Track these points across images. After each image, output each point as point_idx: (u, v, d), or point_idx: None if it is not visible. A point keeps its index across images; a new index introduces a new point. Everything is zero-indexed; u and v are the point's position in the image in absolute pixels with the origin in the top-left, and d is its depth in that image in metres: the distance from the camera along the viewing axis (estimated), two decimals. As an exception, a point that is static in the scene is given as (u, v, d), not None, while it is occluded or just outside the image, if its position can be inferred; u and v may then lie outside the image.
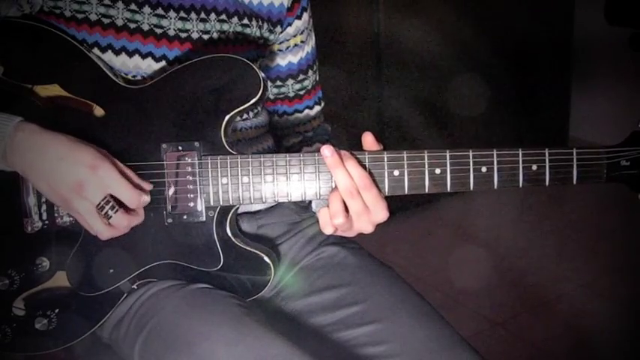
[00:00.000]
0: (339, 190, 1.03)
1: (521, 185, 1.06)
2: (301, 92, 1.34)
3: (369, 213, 1.03)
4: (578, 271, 2.62)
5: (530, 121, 3.42)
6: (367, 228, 1.05)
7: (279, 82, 1.32)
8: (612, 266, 2.63)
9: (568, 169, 1.05)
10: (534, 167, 1.05)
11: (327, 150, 1.02)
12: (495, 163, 1.05)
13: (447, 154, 1.05)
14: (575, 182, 1.06)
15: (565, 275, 2.61)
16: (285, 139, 1.38)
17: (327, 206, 1.04)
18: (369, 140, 1.06)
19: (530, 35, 3.29)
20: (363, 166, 1.04)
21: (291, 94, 1.34)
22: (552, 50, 3.46)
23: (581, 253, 2.75)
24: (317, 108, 1.39)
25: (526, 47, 3.29)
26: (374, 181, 1.04)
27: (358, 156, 1.05)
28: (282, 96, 1.34)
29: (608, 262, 2.66)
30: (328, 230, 1.05)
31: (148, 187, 1.06)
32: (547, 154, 1.05)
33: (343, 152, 1.04)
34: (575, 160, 1.05)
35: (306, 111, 1.36)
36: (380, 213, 1.04)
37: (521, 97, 3.37)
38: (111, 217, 1.01)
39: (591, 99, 3.57)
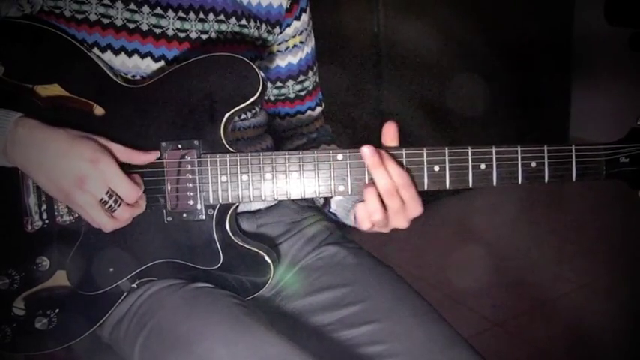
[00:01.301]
0: (377, 189, 1.02)
1: (520, 182, 1.05)
2: (302, 93, 1.34)
3: (405, 210, 1.04)
4: (578, 271, 2.62)
5: (530, 121, 3.42)
6: (403, 224, 1.05)
7: (279, 83, 1.32)
8: (612, 266, 2.63)
9: (567, 166, 1.05)
10: (533, 164, 1.05)
11: (367, 150, 1.02)
12: (494, 160, 1.05)
13: (446, 152, 1.05)
14: (574, 179, 1.05)
15: (565, 275, 2.61)
16: (288, 141, 1.37)
17: (363, 202, 1.04)
18: (391, 131, 1.05)
19: (530, 35, 3.29)
20: (401, 164, 1.04)
21: (292, 95, 1.34)
22: (552, 50, 3.46)
23: (581, 253, 2.75)
24: (318, 109, 1.38)
25: (526, 47, 3.29)
26: (412, 178, 1.04)
27: (395, 153, 1.04)
28: (282, 97, 1.34)
29: (608, 262, 2.66)
30: (366, 226, 1.05)
31: (153, 157, 1.06)
32: (546, 151, 1.05)
33: (381, 152, 1.03)
34: (574, 157, 1.05)
35: (308, 112, 1.36)
36: (416, 209, 1.04)
37: (521, 96, 3.37)
38: (115, 210, 1.02)
39: (591, 99, 3.57)
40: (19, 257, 1.09)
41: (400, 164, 1.03)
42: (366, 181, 1.06)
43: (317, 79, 1.38)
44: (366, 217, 1.04)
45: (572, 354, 2.20)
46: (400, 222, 1.05)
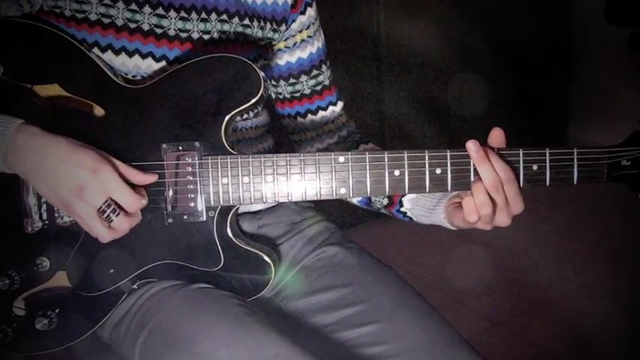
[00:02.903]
0: (484, 184, 1.03)
1: (521, 185, 1.06)
2: (318, 88, 1.33)
3: (508, 206, 1.05)
4: (578, 271, 2.62)
5: (530, 122, 3.42)
6: (506, 221, 1.06)
7: (292, 80, 1.31)
8: (612, 266, 2.63)
9: (569, 169, 1.05)
10: (535, 167, 1.05)
11: (473, 145, 1.03)
12: (496, 163, 1.05)
13: (448, 154, 1.05)
14: (575, 182, 1.05)
15: (565, 275, 2.61)
16: (317, 141, 1.35)
17: (466, 197, 1.05)
18: (496, 135, 1.06)
19: (530, 35, 3.29)
20: (505, 161, 1.05)
21: (308, 91, 1.32)
22: (552, 50, 3.46)
23: (581, 253, 2.75)
24: (340, 104, 1.36)
25: (526, 47, 3.29)
26: (516, 175, 1.05)
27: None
28: (298, 94, 1.32)
29: (608, 262, 2.66)
30: (473, 217, 1.05)
31: (152, 178, 1.05)
32: (548, 154, 1.05)
33: (486, 148, 1.04)
34: (575, 160, 1.05)
35: (331, 108, 1.34)
36: (518, 205, 1.06)
37: (521, 97, 3.37)
38: (112, 220, 1.01)
39: (591, 99, 3.57)
40: (19, 258, 1.09)
41: (505, 161, 1.04)
42: (368, 184, 1.06)
43: (332, 75, 1.36)
44: (474, 210, 1.04)
45: (572, 354, 2.20)
46: (503, 219, 1.06)
